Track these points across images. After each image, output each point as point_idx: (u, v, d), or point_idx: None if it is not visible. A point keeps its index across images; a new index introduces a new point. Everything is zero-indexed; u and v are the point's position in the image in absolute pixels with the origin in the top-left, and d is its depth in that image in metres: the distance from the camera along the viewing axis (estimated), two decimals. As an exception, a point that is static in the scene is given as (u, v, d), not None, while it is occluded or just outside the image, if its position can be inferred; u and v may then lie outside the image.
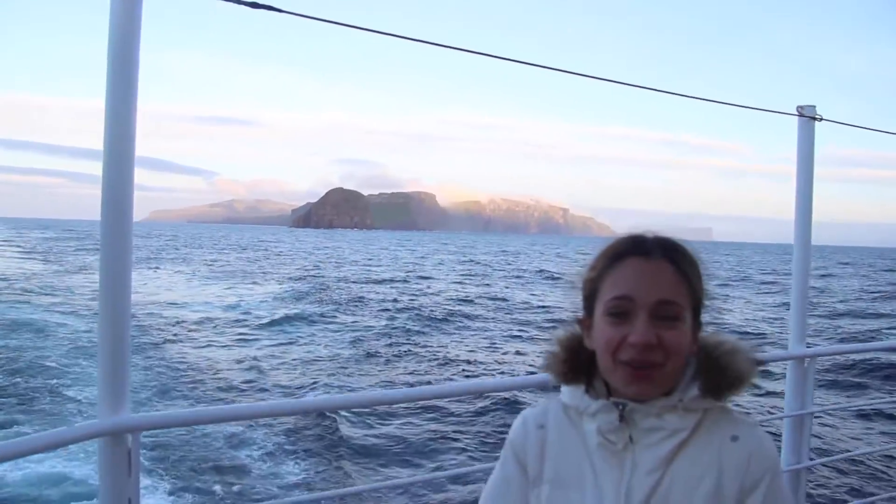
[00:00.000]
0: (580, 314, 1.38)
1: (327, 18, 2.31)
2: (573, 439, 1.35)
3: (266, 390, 15.32)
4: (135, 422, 1.98)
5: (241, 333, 23.00)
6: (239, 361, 18.22)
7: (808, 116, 3.54)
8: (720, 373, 1.29)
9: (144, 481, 9.16)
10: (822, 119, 3.55)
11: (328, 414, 11.92)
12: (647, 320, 1.24)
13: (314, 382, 15.79)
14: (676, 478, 1.25)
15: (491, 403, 12.85)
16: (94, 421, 1.95)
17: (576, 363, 1.37)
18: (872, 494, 7.94)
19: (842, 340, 22.27)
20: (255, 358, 18.76)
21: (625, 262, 1.31)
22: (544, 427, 1.39)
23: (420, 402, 12.59)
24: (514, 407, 12.37)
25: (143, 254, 68.63)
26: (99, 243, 1.96)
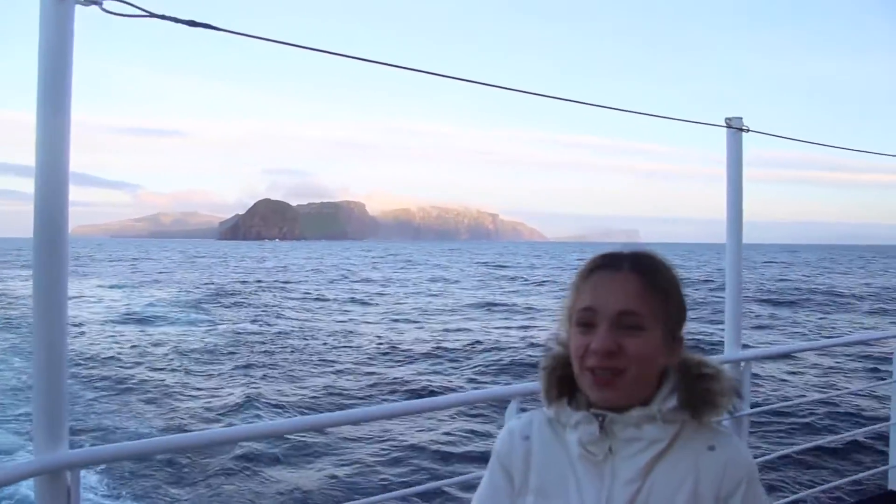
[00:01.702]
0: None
1: (262, 36, 2.33)
2: (557, 450, 1.38)
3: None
4: (74, 457, 1.89)
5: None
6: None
7: (735, 128, 3.67)
8: (699, 394, 1.33)
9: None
10: (748, 130, 3.70)
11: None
12: (609, 329, 1.29)
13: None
14: (655, 487, 1.28)
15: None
16: (29, 458, 1.86)
17: (564, 380, 1.40)
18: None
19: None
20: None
21: (593, 276, 1.36)
22: (529, 438, 1.42)
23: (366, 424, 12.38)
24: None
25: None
26: (31, 264, 1.87)
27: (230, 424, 13.08)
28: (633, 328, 1.29)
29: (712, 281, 49.22)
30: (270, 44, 2.36)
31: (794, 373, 16.64)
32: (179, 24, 1.97)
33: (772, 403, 12.11)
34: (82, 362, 19.44)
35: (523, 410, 1.93)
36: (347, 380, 17.74)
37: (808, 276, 61.17)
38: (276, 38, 2.38)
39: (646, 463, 1.29)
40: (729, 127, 3.67)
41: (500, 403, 2.90)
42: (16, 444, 11.71)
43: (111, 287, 48.18)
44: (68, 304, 1.91)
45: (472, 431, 12.32)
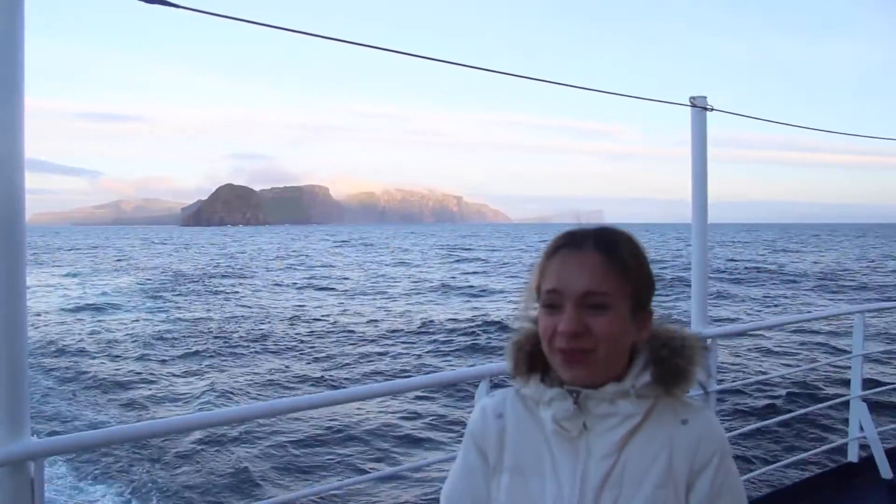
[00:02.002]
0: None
1: (221, 13, 2.25)
2: (531, 427, 1.38)
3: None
4: (37, 447, 1.84)
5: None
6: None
7: (699, 107, 3.69)
8: (671, 367, 1.33)
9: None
10: (712, 109, 3.72)
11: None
12: (574, 310, 1.28)
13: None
14: (629, 461, 1.29)
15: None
16: None
17: (535, 356, 1.39)
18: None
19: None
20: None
21: (556, 256, 1.35)
22: (503, 416, 1.41)
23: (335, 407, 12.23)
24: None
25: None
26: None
27: (188, 412, 13.02)
28: (598, 307, 1.28)
29: (666, 262, 50.03)
30: (233, 25, 2.31)
31: (756, 349, 16.97)
32: (136, 1, 1.90)
33: (737, 380, 12.33)
34: (37, 352, 19.26)
35: (495, 388, 1.91)
36: (308, 364, 17.77)
37: (762, 256, 62.53)
38: (235, 16, 2.32)
39: (620, 438, 1.29)
40: (693, 106, 3.69)
41: (471, 385, 2.89)
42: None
43: (66, 276, 47.86)
44: (26, 295, 1.86)
45: (442, 414, 12.37)
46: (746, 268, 46.50)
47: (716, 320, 21.78)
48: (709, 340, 3.59)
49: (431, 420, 12.10)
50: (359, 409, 12.20)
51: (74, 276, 47.64)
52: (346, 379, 15.94)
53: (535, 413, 1.38)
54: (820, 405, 5.58)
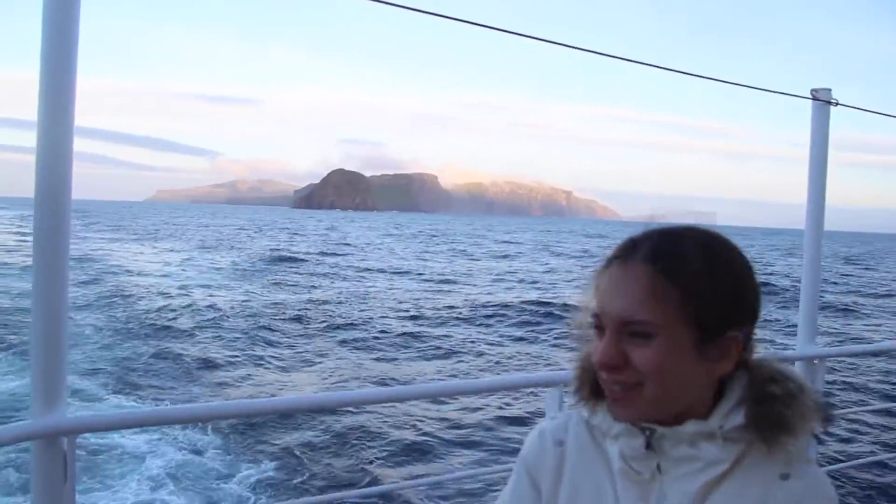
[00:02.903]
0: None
1: None
2: (594, 461, 1.17)
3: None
4: (71, 423, 1.79)
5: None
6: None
7: (822, 100, 3.34)
8: (770, 414, 1.07)
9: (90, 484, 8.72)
10: (837, 103, 3.35)
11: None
12: (611, 337, 1.06)
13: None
14: None
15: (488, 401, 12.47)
16: (25, 421, 1.77)
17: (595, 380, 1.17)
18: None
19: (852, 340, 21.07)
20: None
21: (606, 271, 1.12)
22: (563, 444, 1.21)
23: (404, 403, 12.02)
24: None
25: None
26: (34, 226, 1.77)
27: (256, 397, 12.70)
28: (640, 335, 1.05)
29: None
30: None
31: (864, 373, 15.42)
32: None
33: (843, 407, 11.39)
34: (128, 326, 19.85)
35: (565, 402, 1.69)
36: (375, 357, 17.53)
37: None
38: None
39: (701, 487, 1.06)
40: (815, 99, 3.34)
41: (543, 390, 2.65)
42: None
43: (171, 251, 49.87)
44: (69, 263, 1.81)
45: (504, 418, 11.73)
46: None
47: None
48: (816, 361, 3.24)
49: (490, 425, 11.43)
50: (412, 406, 11.79)
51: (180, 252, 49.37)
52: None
53: (601, 445, 1.18)
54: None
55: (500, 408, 12.16)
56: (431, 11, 2.38)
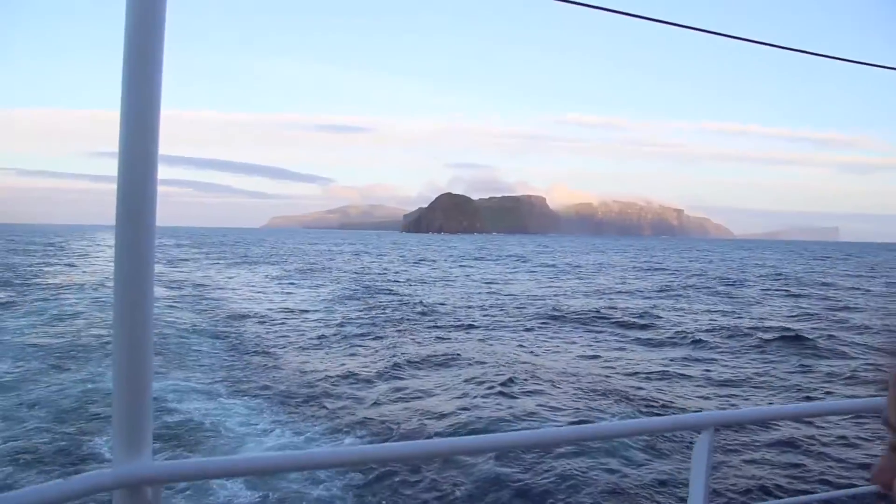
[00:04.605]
0: None
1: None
2: None
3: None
4: (156, 471, 1.70)
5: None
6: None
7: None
8: None
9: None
10: None
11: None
12: None
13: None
14: None
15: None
16: (106, 470, 1.68)
17: None
18: None
19: None
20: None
21: None
22: None
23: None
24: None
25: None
26: (114, 259, 1.68)
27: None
28: None
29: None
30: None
31: None
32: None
33: None
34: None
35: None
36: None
37: None
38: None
39: None
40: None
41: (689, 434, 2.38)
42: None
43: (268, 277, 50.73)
44: (154, 298, 1.72)
45: (644, 466, 10.54)
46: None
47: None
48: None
49: (629, 475, 10.25)
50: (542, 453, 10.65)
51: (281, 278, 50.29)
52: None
53: None
54: None
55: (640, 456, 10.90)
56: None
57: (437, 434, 12.20)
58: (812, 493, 9.17)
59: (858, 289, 46.67)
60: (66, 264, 55.06)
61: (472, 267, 70.11)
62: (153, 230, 1.68)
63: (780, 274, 62.97)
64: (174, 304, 29.47)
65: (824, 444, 11.53)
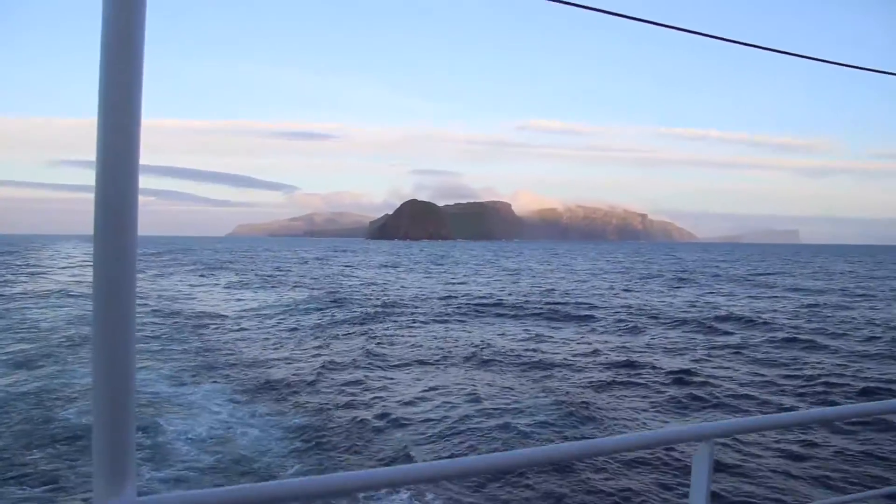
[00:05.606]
0: None
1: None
2: None
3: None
4: (138, 508, 1.57)
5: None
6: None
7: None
8: None
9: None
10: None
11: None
12: None
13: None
14: None
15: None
16: None
17: None
18: None
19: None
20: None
21: None
22: None
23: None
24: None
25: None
26: (94, 278, 1.55)
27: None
28: None
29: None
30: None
31: None
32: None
33: None
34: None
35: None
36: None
37: None
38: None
39: None
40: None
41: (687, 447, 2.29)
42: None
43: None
44: (136, 327, 1.58)
45: (631, 484, 10.26)
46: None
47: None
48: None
49: (623, 493, 10.04)
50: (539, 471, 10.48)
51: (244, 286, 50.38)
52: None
53: None
54: None
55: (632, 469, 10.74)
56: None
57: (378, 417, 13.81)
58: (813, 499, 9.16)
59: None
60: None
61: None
62: (135, 243, 1.54)
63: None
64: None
65: (827, 452, 11.47)
